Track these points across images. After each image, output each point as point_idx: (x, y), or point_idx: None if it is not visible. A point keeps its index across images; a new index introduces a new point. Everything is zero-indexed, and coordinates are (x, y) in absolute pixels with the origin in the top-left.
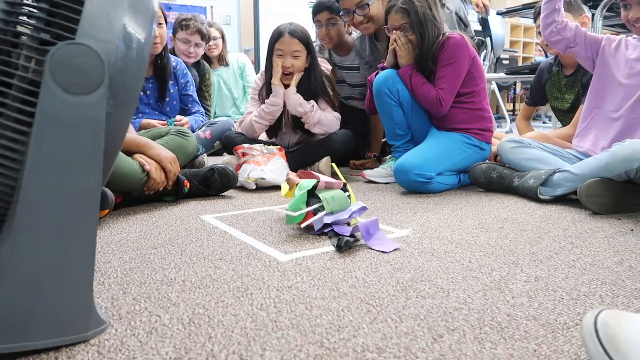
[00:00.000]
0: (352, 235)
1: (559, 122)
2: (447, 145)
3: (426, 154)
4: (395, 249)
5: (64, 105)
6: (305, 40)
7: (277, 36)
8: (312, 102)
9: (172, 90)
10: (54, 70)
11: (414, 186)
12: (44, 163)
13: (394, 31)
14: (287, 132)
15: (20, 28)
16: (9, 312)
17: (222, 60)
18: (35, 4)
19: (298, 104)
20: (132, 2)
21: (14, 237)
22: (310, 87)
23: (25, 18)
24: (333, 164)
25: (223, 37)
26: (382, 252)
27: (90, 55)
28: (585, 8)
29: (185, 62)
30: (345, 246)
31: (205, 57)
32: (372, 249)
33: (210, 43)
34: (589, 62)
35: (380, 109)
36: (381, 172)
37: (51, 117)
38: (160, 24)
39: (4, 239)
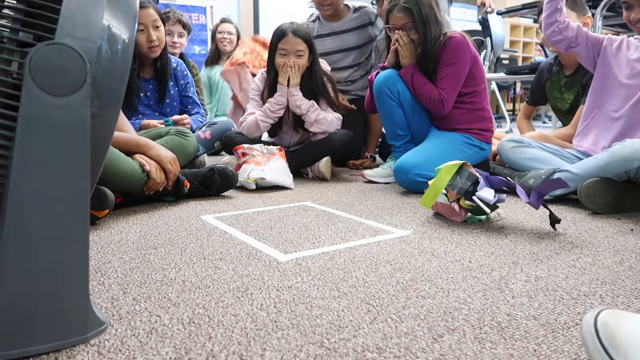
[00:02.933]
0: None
1: (560, 122)
2: (447, 145)
3: (426, 153)
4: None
5: (46, 107)
6: (308, 40)
7: (280, 36)
8: (312, 101)
9: (172, 92)
10: (34, 72)
11: (414, 186)
12: (30, 167)
13: (397, 31)
14: (287, 131)
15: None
16: (6, 319)
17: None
18: (13, 5)
19: (297, 104)
20: None
21: (4, 243)
22: (312, 86)
23: (3, 21)
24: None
25: (238, 37)
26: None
27: (70, 54)
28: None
29: (171, 54)
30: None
31: (217, 50)
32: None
33: (225, 36)
34: (590, 62)
35: (380, 109)
36: (381, 172)
37: (34, 121)
38: (157, 26)
39: None
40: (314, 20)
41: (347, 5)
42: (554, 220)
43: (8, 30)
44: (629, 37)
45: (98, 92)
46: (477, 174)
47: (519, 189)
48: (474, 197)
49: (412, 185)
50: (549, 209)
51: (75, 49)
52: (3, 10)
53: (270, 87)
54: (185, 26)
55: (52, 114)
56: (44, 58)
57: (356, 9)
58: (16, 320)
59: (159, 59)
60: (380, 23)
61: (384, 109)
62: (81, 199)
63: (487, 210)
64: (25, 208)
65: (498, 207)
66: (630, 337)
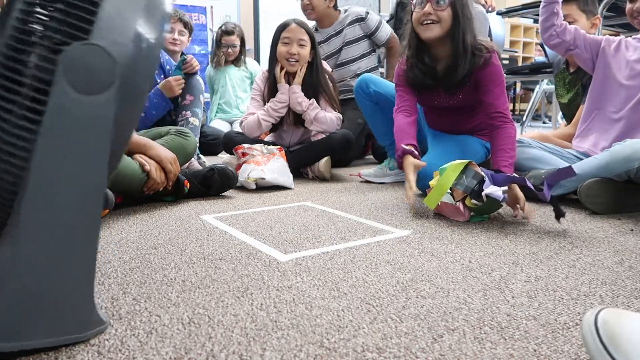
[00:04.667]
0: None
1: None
2: (466, 146)
3: (449, 157)
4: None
5: (73, 103)
6: (310, 33)
7: (283, 26)
8: (313, 100)
9: (158, 80)
10: (66, 70)
11: None
12: (50, 159)
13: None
14: (288, 130)
15: (36, 27)
16: (9, 311)
17: (236, 61)
18: (51, 4)
19: (298, 101)
20: (148, 4)
21: (17, 232)
22: (312, 81)
23: (41, 17)
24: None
25: (243, 42)
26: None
27: (103, 56)
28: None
29: (172, 51)
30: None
31: (223, 56)
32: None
33: (230, 51)
34: (589, 63)
35: (364, 111)
36: (377, 172)
37: (60, 115)
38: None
39: (6, 234)
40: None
41: (338, 10)
42: (559, 214)
43: (43, 28)
44: (627, 37)
45: (124, 95)
46: (483, 173)
47: (529, 183)
48: (483, 194)
49: None
50: (555, 202)
51: (109, 51)
52: (40, 9)
53: (271, 86)
54: (186, 25)
55: (78, 110)
56: (78, 57)
57: (345, 10)
58: (19, 314)
59: None
60: (371, 18)
61: (366, 111)
62: (96, 194)
63: (500, 195)
64: (41, 199)
65: (502, 206)
66: (631, 336)
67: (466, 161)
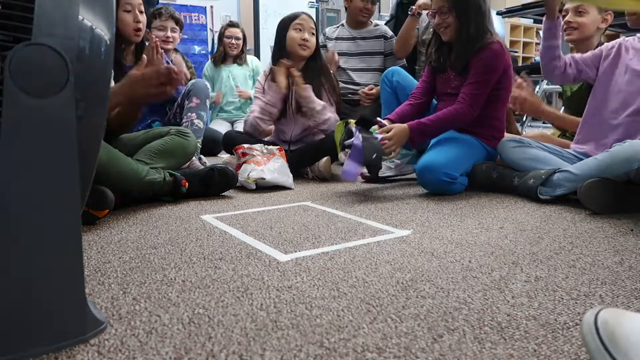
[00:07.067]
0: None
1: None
2: (466, 146)
3: (450, 154)
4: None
5: (28, 109)
6: (316, 26)
7: (293, 16)
8: (324, 103)
9: None
10: (14, 75)
11: (440, 186)
12: (16, 170)
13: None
14: (289, 122)
15: None
16: (2, 324)
17: (239, 59)
18: None
19: (311, 106)
20: None
21: None
22: (315, 72)
23: None
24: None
25: (244, 39)
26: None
27: (50, 54)
28: None
29: (164, 49)
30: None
31: (224, 52)
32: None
33: (233, 42)
34: (595, 75)
35: (383, 99)
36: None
37: (17, 123)
38: (141, 11)
39: None
40: (337, 26)
41: (371, 21)
42: (373, 173)
43: None
44: (627, 37)
45: (84, 93)
46: (353, 129)
47: (355, 132)
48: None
49: (438, 185)
50: (367, 176)
51: (55, 48)
52: None
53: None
54: (177, 22)
55: (36, 116)
56: (23, 59)
57: (376, 25)
58: (10, 324)
59: (140, 45)
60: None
61: (384, 99)
62: (71, 200)
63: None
64: (13, 211)
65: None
66: (630, 336)
67: (344, 120)
